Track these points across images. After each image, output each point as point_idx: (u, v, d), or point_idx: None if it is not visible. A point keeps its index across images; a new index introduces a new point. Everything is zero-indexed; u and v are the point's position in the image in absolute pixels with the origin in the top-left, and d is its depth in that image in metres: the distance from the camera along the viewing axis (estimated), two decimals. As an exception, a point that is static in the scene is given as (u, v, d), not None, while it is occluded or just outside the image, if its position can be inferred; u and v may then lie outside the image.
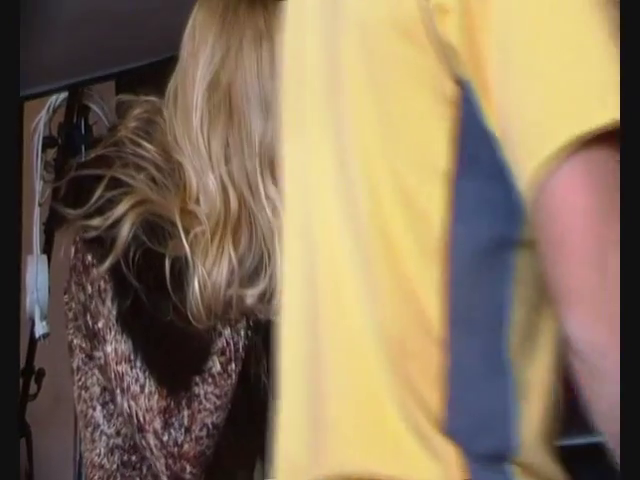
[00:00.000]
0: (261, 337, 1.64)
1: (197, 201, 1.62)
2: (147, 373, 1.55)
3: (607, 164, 0.89)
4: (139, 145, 1.63)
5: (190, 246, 1.57)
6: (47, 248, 2.67)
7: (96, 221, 1.55)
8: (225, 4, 1.66)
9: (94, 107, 2.72)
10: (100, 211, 1.55)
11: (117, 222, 1.54)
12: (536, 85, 0.89)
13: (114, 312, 1.57)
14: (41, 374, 2.81)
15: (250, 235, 1.61)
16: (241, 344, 1.60)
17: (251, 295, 1.59)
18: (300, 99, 1.11)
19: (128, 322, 1.57)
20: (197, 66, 1.64)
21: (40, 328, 2.58)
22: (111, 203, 1.55)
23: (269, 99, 1.59)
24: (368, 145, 0.99)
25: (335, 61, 1.04)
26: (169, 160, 1.64)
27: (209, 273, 1.57)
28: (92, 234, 1.56)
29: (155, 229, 1.56)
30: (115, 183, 1.57)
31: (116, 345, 1.57)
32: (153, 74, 2.23)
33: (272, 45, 1.60)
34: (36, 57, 2.14)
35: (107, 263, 1.54)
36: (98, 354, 1.60)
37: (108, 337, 1.57)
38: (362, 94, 1.01)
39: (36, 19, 1.99)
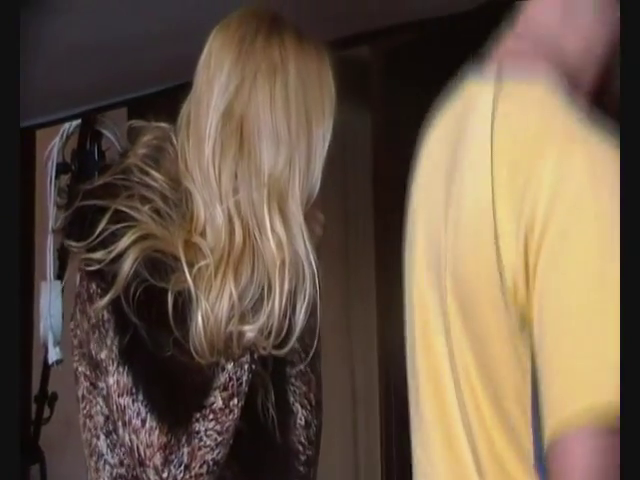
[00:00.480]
0: (269, 371, 1.64)
1: (202, 233, 1.61)
2: (148, 407, 1.54)
3: (609, 439, 1.08)
4: (147, 174, 1.63)
5: (193, 280, 1.56)
6: (61, 274, 2.67)
7: (99, 254, 1.54)
8: (242, 34, 1.66)
9: (107, 133, 2.73)
10: (103, 244, 1.55)
11: (119, 257, 1.54)
12: (570, 360, 1.11)
13: (116, 344, 1.56)
14: (54, 398, 2.82)
15: (252, 269, 1.60)
16: (244, 379, 1.59)
17: (251, 330, 1.58)
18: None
19: (129, 356, 1.56)
20: (212, 94, 1.64)
21: (53, 354, 2.59)
22: (114, 237, 1.54)
23: (280, 133, 1.61)
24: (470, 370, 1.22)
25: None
26: (176, 189, 1.64)
27: (212, 307, 1.56)
28: (94, 267, 1.56)
29: (157, 265, 1.55)
30: (119, 216, 1.56)
31: (118, 377, 1.56)
32: (164, 100, 2.24)
33: (286, 79, 1.63)
34: (49, 85, 2.15)
35: (107, 298, 1.54)
36: (101, 384, 1.60)
37: (110, 368, 1.57)
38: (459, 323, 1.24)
39: (49, 47, 2.01)
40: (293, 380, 1.71)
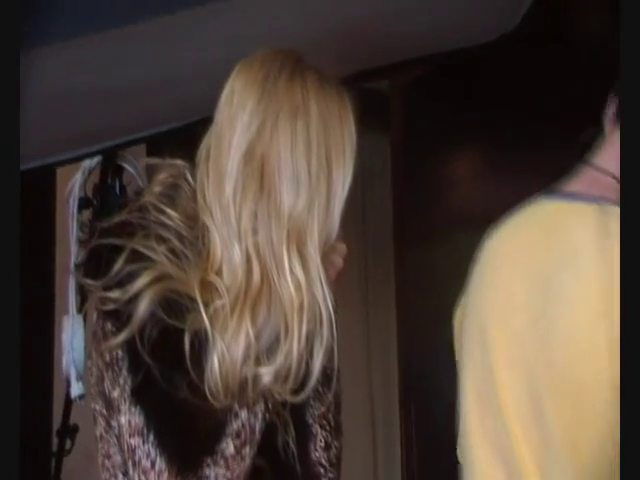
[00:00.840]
0: (288, 406, 1.64)
1: (218, 271, 1.61)
2: (159, 450, 1.53)
3: None
4: (163, 212, 1.63)
5: (210, 320, 1.55)
6: (83, 308, 2.68)
7: (115, 294, 1.54)
8: (265, 74, 1.66)
9: (128, 167, 2.76)
10: (119, 284, 1.54)
11: (135, 297, 1.53)
12: None
13: (129, 383, 1.55)
14: (75, 430, 2.83)
15: (269, 310, 1.59)
16: (258, 428, 1.59)
17: (267, 373, 1.57)
18: None
19: (141, 396, 1.55)
20: (234, 132, 1.63)
21: (76, 389, 2.60)
22: (130, 277, 1.54)
23: (301, 175, 1.61)
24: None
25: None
26: (192, 227, 1.63)
27: (228, 346, 1.56)
28: (111, 307, 1.55)
29: (173, 305, 1.54)
30: (135, 256, 1.56)
31: (129, 417, 1.55)
32: (182, 136, 2.26)
33: (307, 121, 1.63)
34: (68, 124, 2.17)
35: (122, 337, 1.54)
36: (113, 423, 1.59)
37: (122, 407, 1.56)
38: None
39: (70, 88, 2.03)
40: (312, 401, 1.70)
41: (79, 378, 2.62)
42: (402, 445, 4.13)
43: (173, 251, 1.58)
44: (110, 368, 1.58)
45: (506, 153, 3.60)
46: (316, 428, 1.71)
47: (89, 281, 1.58)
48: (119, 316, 1.55)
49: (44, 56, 1.87)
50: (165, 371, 1.53)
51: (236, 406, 1.57)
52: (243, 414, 1.58)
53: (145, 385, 1.54)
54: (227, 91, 1.67)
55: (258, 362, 1.57)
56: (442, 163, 3.91)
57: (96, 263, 1.58)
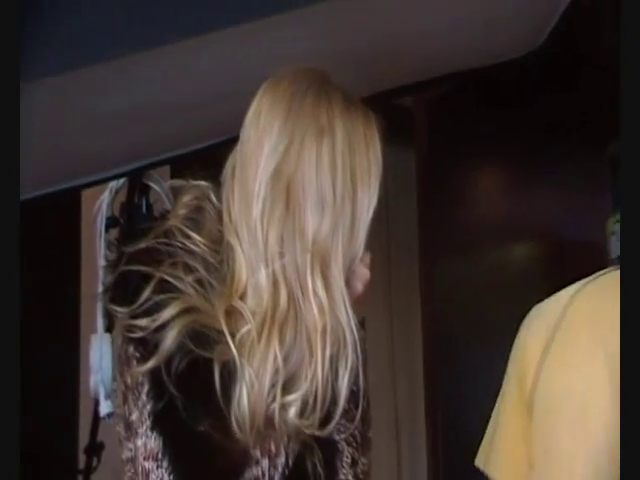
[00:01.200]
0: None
1: (243, 295, 1.60)
2: (172, 476, 1.54)
3: None
4: (188, 237, 1.62)
5: (237, 349, 1.55)
6: (110, 327, 2.69)
7: (142, 322, 1.54)
8: (292, 93, 1.65)
9: (154, 186, 2.77)
10: (147, 313, 1.54)
11: (163, 327, 1.53)
12: None
13: (148, 408, 1.55)
14: (101, 447, 2.84)
15: (295, 333, 1.58)
16: (276, 478, 1.58)
17: (294, 400, 1.56)
18: None
19: (160, 422, 1.55)
20: (261, 153, 1.63)
21: (105, 407, 2.60)
22: (158, 306, 1.54)
23: (326, 197, 1.60)
24: None
25: None
26: (217, 250, 1.63)
27: (256, 372, 1.55)
28: (137, 334, 1.55)
29: (201, 337, 1.54)
30: (163, 286, 1.56)
31: (146, 440, 1.55)
32: (205, 156, 2.27)
33: (333, 142, 1.62)
34: (93, 146, 2.19)
35: (147, 366, 1.54)
36: (130, 445, 1.59)
37: (140, 430, 1.56)
38: None
39: (94, 110, 2.05)
40: (338, 419, 1.66)
41: (107, 397, 2.62)
42: (428, 456, 4.12)
43: (200, 281, 1.58)
44: (131, 392, 1.58)
45: (529, 167, 3.61)
46: (342, 445, 1.68)
47: (116, 307, 1.59)
48: (145, 344, 1.55)
49: (68, 81, 1.89)
50: (189, 403, 1.52)
51: (258, 452, 1.57)
52: (264, 463, 1.58)
53: (166, 413, 1.54)
54: (254, 110, 1.67)
55: (285, 390, 1.57)
56: (466, 177, 3.92)
57: (123, 290, 1.59)
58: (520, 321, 1.75)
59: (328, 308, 1.59)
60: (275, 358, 1.56)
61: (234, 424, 1.54)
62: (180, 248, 1.61)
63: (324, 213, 1.60)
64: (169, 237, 1.63)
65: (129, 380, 1.59)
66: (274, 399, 1.55)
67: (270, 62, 1.77)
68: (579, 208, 3.45)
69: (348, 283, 1.63)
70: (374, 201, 1.65)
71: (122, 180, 2.69)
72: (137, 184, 2.75)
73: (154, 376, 1.54)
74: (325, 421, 1.59)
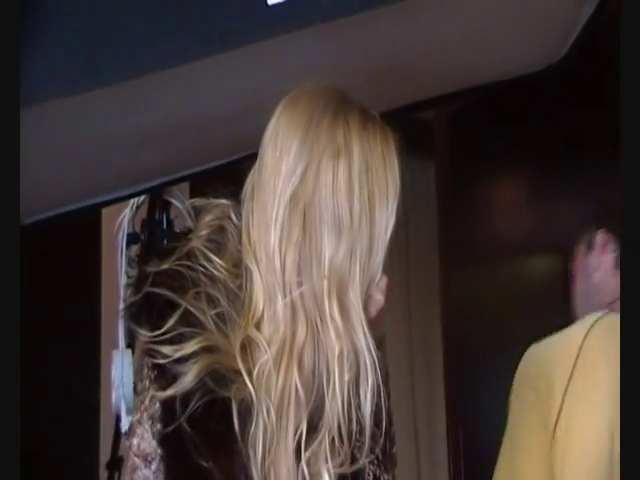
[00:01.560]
0: None
1: (259, 321, 1.60)
2: None
3: None
4: (210, 260, 1.63)
5: (255, 383, 1.55)
6: (132, 342, 2.69)
7: (165, 350, 1.55)
8: (309, 114, 1.64)
9: (175, 202, 2.77)
10: (171, 342, 1.55)
11: (185, 360, 1.54)
12: None
13: (157, 427, 1.58)
14: (122, 462, 2.84)
15: (314, 361, 1.58)
16: None
17: (321, 439, 1.57)
18: None
19: (165, 445, 1.58)
20: (278, 176, 1.61)
21: (126, 423, 2.60)
22: (182, 337, 1.55)
23: (343, 220, 1.58)
24: None
25: None
26: (237, 275, 1.64)
27: (277, 406, 1.55)
28: (159, 361, 1.56)
29: (220, 377, 1.55)
30: (188, 319, 1.56)
31: (141, 440, 1.59)
32: (225, 173, 2.27)
33: (349, 163, 1.60)
34: (114, 166, 2.20)
35: (164, 394, 1.56)
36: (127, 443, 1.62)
37: (137, 430, 1.59)
38: None
39: (114, 131, 2.06)
40: (358, 436, 1.66)
41: (129, 412, 2.62)
42: (449, 469, 4.11)
43: (220, 315, 1.59)
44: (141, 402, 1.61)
45: (548, 180, 3.60)
46: (364, 461, 1.66)
47: (140, 330, 1.59)
48: (164, 371, 1.57)
49: (87, 101, 1.90)
50: (199, 440, 1.54)
51: None
52: None
53: (173, 440, 1.56)
54: (271, 131, 1.66)
55: (309, 424, 1.57)
56: (486, 191, 3.91)
57: (148, 312, 1.59)
58: (540, 334, 1.77)
59: (344, 332, 1.57)
60: (297, 391, 1.56)
61: (251, 455, 1.54)
62: (202, 273, 1.61)
63: (341, 237, 1.58)
64: (191, 259, 1.63)
65: (143, 399, 1.61)
66: (299, 446, 1.56)
67: (289, 77, 1.77)
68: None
69: (365, 306, 1.62)
70: (392, 221, 1.64)
71: (143, 196, 2.70)
72: (158, 200, 2.75)
73: (167, 404, 1.56)
74: (354, 456, 1.60)
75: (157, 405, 1.58)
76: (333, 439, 1.57)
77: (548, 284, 3.70)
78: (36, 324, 3.30)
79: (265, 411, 1.54)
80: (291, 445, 1.56)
